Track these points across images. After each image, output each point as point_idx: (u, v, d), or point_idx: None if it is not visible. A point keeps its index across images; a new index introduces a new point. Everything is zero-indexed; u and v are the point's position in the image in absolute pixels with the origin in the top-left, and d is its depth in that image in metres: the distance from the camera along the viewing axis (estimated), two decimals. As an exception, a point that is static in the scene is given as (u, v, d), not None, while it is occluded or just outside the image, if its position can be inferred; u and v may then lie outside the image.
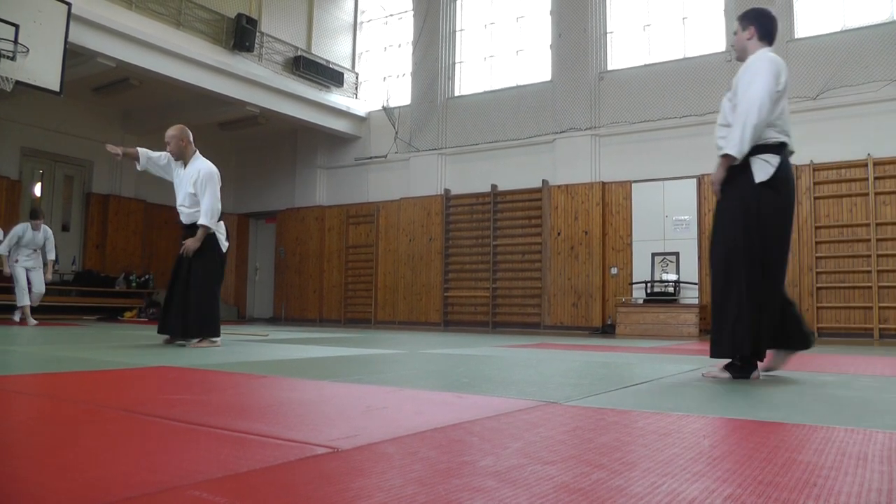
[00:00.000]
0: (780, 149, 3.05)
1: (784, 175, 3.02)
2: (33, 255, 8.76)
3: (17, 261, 8.65)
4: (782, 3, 9.88)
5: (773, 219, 3.01)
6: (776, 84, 3.01)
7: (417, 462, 1.32)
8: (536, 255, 11.58)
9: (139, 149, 5.10)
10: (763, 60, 3.08)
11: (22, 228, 8.71)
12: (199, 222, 4.85)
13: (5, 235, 8.71)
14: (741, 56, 3.26)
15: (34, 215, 8.90)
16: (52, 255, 8.88)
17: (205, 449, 1.41)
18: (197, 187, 4.88)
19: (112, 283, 12.77)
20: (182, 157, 5.01)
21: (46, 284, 8.98)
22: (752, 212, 2.98)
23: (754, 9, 3.31)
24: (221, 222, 5.05)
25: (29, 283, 8.69)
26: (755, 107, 2.94)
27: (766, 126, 2.99)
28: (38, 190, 12.57)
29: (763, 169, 2.99)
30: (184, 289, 4.88)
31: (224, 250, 5.07)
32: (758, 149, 3.01)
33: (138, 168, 5.18)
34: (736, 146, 2.96)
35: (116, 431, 1.65)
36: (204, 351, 4.42)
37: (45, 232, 8.86)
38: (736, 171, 3.04)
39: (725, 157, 3.04)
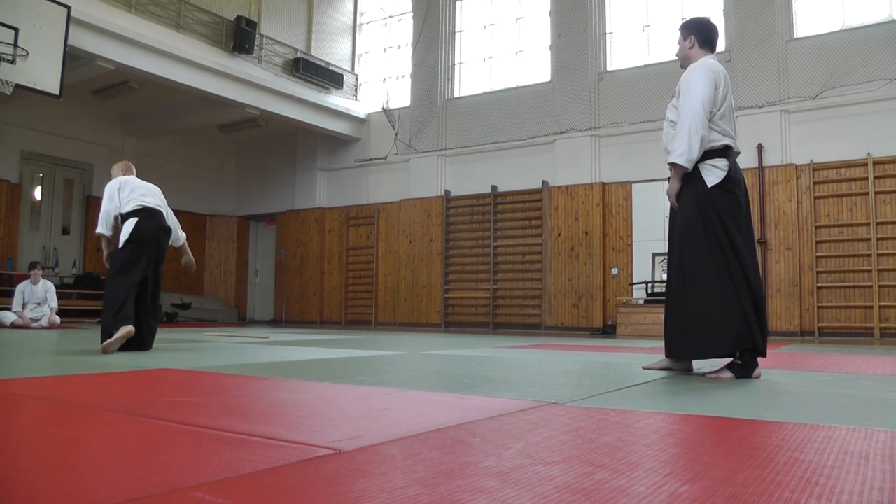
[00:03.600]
0: (726, 152, 3.15)
1: (735, 177, 3.13)
2: (37, 308, 9.29)
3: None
4: (782, 2, 9.88)
5: (732, 218, 3.09)
6: (713, 91, 3.11)
7: (420, 463, 1.32)
8: (537, 256, 11.58)
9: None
10: (700, 69, 3.17)
11: (23, 286, 9.25)
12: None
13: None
14: (684, 63, 3.38)
15: (32, 265, 9.47)
16: (53, 304, 9.35)
17: (207, 450, 1.42)
18: None
19: (112, 285, 12.75)
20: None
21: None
22: (709, 215, 3.07)
23: (695, 18, 3.43)
24: (131, 220, 4.73)
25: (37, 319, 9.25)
26: (697, 115, 3.05)
27: (709, 132, 3.10)
28: (38, 193, 12.58)
29: (713, 173, 3.11)
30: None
31: (120, 244, 4.68)
32: (704, 155, 3.11)
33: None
34: (685, 154, 3.07)
35: (118, 434, 1.65)
36: (205, 353, 4.42)
37: (45, 285, 9.40)
38: (687, 177, 3.15)
39: (677, 166, 3.13)
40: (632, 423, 1.88)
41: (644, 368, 3.48)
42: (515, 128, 11.94)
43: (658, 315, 9.65)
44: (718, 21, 10.42)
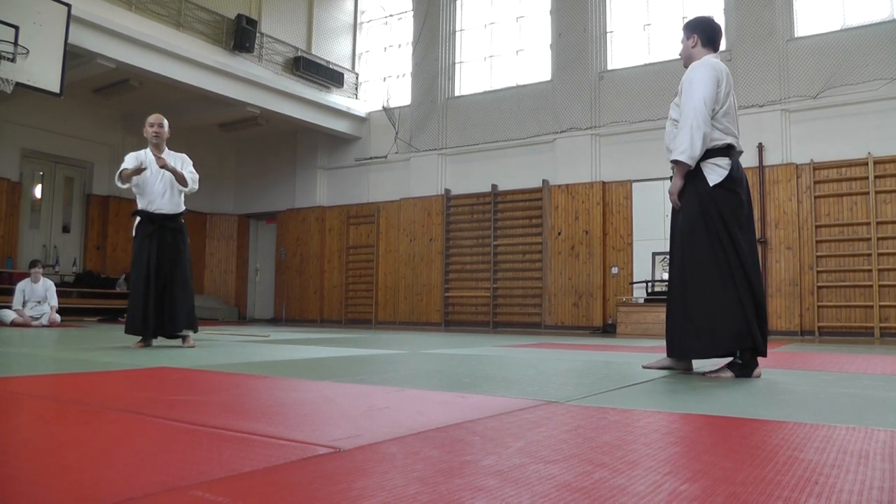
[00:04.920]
0: (728, 150, 3.15)
1: (737, 176, 3.14)
2: (38, 306, 9.33)
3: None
4: (782, 1, 9.88)
5: (734, 217, 3.09)
6: (715, 88, 3.12)
7: (419, 462, 1.32)
8: (537, 255, 11.58)
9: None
10: (702, 67, 3.18)
11: (23, 284, 9.30)
12: (192, 188, 5.02)
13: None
14: (686, 62, 3.39)
15: (33, 264, 9.53)
16: (53, 302, 9.39)
17: (207, 449, 1.42)
18: (186, 167, 5.09)
19: (112, 284, 12.77)
20: (161, 146, 5.17)
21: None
22: (711, 213, 3.07)
23: (698, 18, 3.45)
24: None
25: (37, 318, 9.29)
26: (700, 112, 3.06)
27: (711, 129, 3.11)
28: (38, 191, 12.58)
29: (715, 171, 3.11)
30: (168, 284, 4.84)
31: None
32: (707, 153, 3.12)
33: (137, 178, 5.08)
34: (687, 152, 3.07)
35: (118, 432, 1.65)
36: (205, 352, 4.43)
37: (45, 283, 9.44)
38: (689, 176, 3.15)
39: (680, 164, 3.13)
40: (632, 421, 1.88)
41: (644, 367, 3.48)
42: (516, 127, 11.93)
43: (658, 314, 9.64)
44: (719, 20, 10.39)
